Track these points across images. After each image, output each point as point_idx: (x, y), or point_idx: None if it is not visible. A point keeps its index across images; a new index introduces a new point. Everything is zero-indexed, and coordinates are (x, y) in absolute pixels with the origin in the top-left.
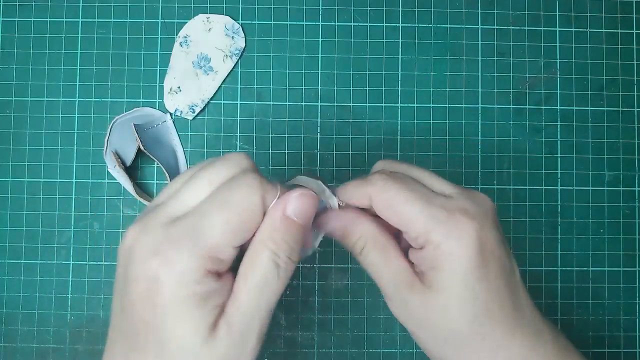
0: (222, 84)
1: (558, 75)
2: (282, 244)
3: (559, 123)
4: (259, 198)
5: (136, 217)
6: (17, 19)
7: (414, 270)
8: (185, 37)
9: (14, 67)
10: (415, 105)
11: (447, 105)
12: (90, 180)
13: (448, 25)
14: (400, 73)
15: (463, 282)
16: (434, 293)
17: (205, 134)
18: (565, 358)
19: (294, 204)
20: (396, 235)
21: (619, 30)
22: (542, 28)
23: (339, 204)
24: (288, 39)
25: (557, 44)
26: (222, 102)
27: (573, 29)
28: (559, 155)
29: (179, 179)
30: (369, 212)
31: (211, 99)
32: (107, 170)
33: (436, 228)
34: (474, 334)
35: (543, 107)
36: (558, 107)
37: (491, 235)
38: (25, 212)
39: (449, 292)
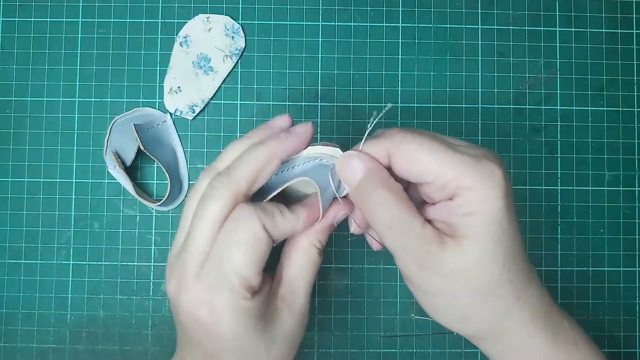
0: (222, 84)
1: (558, 75)
2: (324, 239)
3: (559, 123)
4: (262, 229)
5: (167, 269)
6: (17, 19)
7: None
8: (185, 37)
9: (14, 67)
10: (415, 105)
11: (447, 105)
12: (90, 180)
13: (448, 25)
14: (400, 73)
15: (497, 225)
16: (470, 240)
17: (205, 134)
18: (560, 307)
19: (340, 217)
20: None
21: (619, 30)
22: (542, 28)
23: None
24: (288, 39)
25: (557, 44)
26: (222, 102)
27: (573, 29)
28: (559, 155)
29: (186, 219)
30: None
31: (211, 99)
32: (107, 170)
33: (467, 172)
34: (503, 279)
35: (543, 107)
36: (558, 107)
37: (510, 183)
38: (25, 212)
39: (485, 237)
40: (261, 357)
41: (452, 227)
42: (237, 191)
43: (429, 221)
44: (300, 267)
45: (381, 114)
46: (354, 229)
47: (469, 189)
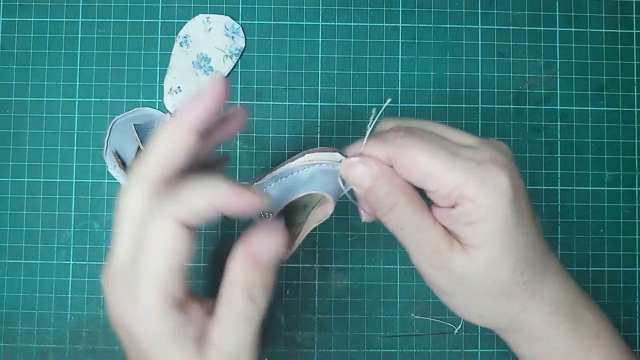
0: None
1: (558, 75)
2: (256, 281)
3: (559, 123)
4: (177, 225)
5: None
6: (17, 19)
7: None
8: (185, 37)
9: (14, 67)
10: (415, 105)
11: (447, 105)
12: (90, 180)
13: (448, 25)
14: (400, 73)
15: (504, 232)
16: (476, 249)
17: None
18: (587, 296)
19: (261, 247)
20: None
21: (619, 30)
22: (542, 28)
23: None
24: (288, 39)
25: (557, 44)
26: None
27: (573, 29)
28: (559, 155)
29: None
30: None
31: None
32: (107, 170)
33: (469, 181)
34: (515, 282)
35: (543, 107)
36: (558, 107)
37: (520, 181)
38: (25, 212)
39: (491, 245)
40: None
41: (457, 235)
42: (152, 178)
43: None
44: (232, 324)
45: (380, 111)
46: (365, 218)
47: (471, 199)
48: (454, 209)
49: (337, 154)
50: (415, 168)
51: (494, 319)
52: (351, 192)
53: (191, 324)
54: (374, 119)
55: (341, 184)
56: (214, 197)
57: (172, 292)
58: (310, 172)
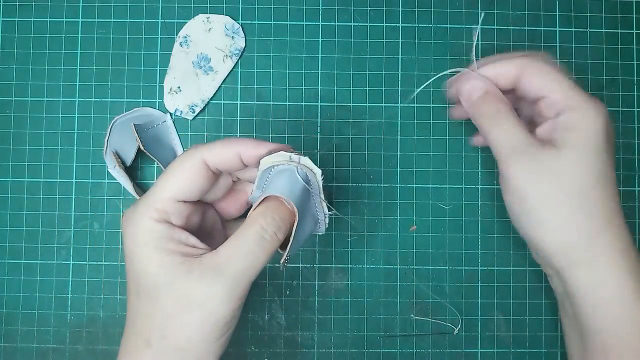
0: (222, 84)
1: None
2: (272, 221)
3: None
4: (199, 158)
5: None
6: (17, 19)
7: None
8: (185, 37)
9: (14, 67)
10: (415, 105)
11: (447, 105)
12: (90, 180)
13: (448, 25)
14: (400, 73)
15: (596, 143)
16: (567, 149)
17: (205, 134)
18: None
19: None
20: None
21: (619, 30)
22: (542, 28)
23: None
24: (288, 39)
25: (557, 44)
26: (222, 102)
27: (573, 29)
28: None
29: None
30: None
31: (211, 99)
32: (107, 170)
33: (576, 95)
34: (596, 194)
35: None
36: None
37: (612, 127)
38: (25, 212)
39: (583, 149)
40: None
41: (553, 141)
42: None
43: None
44: (242, 248)
45: (478, 28)
46: (457, 115)
47: (576, 107)
48: (557, 118)
49: (282, 152)
50: (542, 73)
51: (569, 233)
52: (308, 182)
53: (175, 241)
54: (476, 34)
55: (299, 177)
56: (237, 145)
57: (167, 213)
58: (271, 175)
